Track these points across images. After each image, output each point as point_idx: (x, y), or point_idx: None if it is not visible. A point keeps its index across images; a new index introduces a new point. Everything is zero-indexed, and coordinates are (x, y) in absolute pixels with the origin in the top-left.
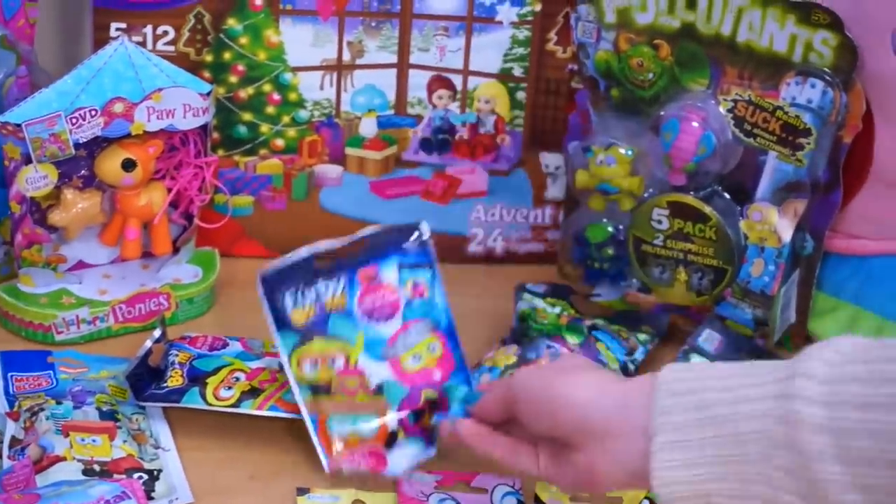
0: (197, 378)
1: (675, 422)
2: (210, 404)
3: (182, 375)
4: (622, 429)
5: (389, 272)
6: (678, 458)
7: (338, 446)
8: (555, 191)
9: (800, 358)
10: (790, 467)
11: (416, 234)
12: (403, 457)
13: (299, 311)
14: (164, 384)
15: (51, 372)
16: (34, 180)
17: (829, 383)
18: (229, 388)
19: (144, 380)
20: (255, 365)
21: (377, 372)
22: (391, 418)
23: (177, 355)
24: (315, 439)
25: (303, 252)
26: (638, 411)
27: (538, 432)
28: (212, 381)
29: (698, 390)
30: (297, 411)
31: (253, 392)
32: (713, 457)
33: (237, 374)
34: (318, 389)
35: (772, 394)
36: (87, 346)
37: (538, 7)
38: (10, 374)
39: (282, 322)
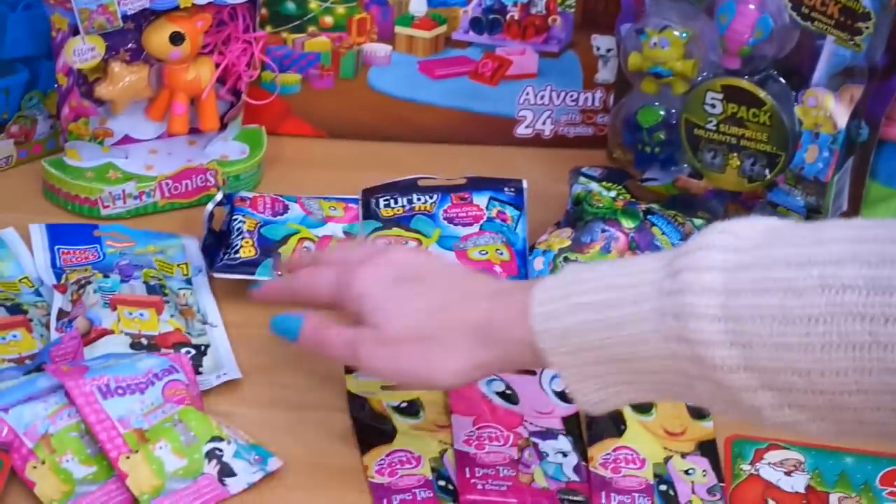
0: (268, 248)
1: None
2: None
3: (253, 245)
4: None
5: (481, 198)
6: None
7: None
8: (605, 74)
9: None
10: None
11: (514, 184)
12: None
13: (388, 209)
14: (236, 254)
15: (97, 245)
16: (81, 52)
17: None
18: None
19: (213, 248)
20: (321, 233)
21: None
22: None
23: (243, 222)
24: None
25: (409, 176)
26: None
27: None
28: (284, 252)
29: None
30: None
31: None
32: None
33: (306, 243)
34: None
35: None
36: (132, 221)
37: None
38: (56, 247)
39: (369, 214)
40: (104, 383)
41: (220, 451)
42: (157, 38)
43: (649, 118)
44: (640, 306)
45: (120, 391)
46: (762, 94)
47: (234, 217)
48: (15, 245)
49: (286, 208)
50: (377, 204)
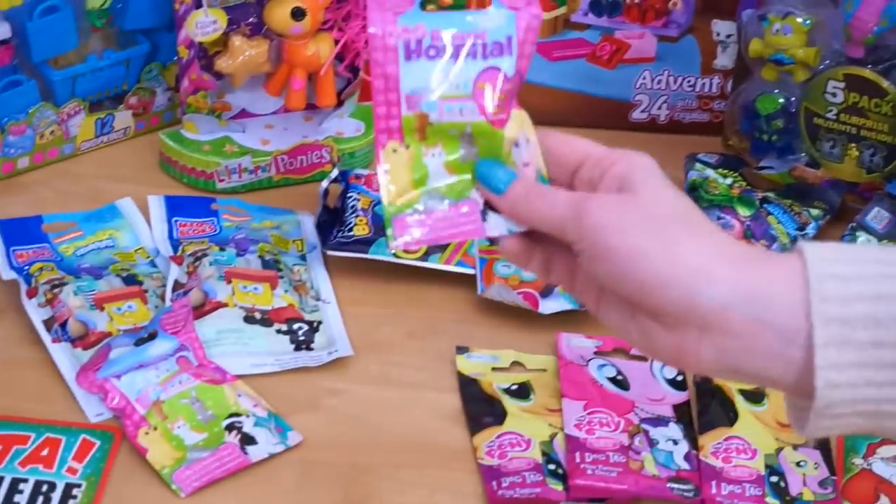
0: (382, 226)
1: (842, 315)
2: (398, 257)
3: (367, 224)
4: (749, 330)
5: None
6: (848, 359)
7: (498, 279)
8: (724, 59)
9: None
10: None
11: None
12: (554, 306)
13: None
14: (350, 232)
15: (214, 219)
16: (204, 24)
17: None
18: None
19: (328, 225)
20: None
21: None
22: None
23: (357, 199)
24: (479, 272)
25: None
26: (780, 308)
27: (607, 288)
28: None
29: (864, 277)
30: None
31: (438, 245)
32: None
33: None
34: (495, 241)
35: None
36: (248, 196)
37: None
38: (174, 219)
39: None
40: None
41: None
42: (279, 12)
43: (768, 106)
44: None
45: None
46: (885, 83)
47: (349, 195)
48: (132, 215)
49: None
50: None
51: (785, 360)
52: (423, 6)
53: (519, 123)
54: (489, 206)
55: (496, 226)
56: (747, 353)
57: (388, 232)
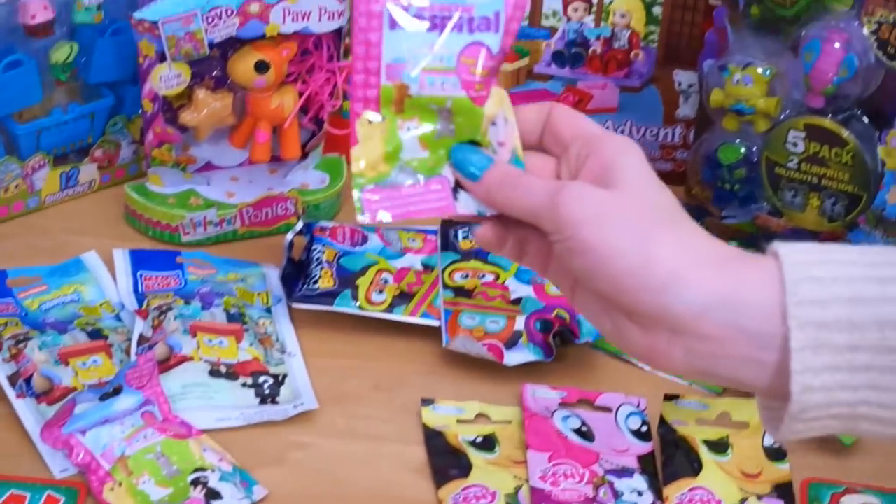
0: (346, 279)
1: (818, 318)
2: (363, 309)
3: (332, 276)
4: (723, 334)
5: None
6: (824, 362)
7: (463, 331)
8: (686, 109)
9: None
10: None
11: None
12: (519, 358)
13: (467, 241)
14: (315, 284)
15: (180, 272)
16: (168, 78)
17: None
18: (380, 291)
19: (292, 278)
20: (399, 264)
21: (520, 290)
22: (519, 321)
23: (322, 251)
24: (444, 324)
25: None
26: (756, 313)
27: (581, 281)
28: (362, 283)
29: (841, 279)
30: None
31: (403, 297)
32: (866, 362)
33: (384, 275)
34: (460, 292)
35: None
36: (213, 248)
37: None
38: (139, 273)
39: (447, 246)
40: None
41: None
42: (243, 66)
43: (730, 155)
44: None
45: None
46: (845, 133)
47: (314, 247)
48: (97, 269)
49: (365, 239)
50: (455, 235)
51: (759, 364)
52: None
53: (498, 101)
54: (460, 184)
55: (467, 205)
56: (720, 357)
57: (357, 204)
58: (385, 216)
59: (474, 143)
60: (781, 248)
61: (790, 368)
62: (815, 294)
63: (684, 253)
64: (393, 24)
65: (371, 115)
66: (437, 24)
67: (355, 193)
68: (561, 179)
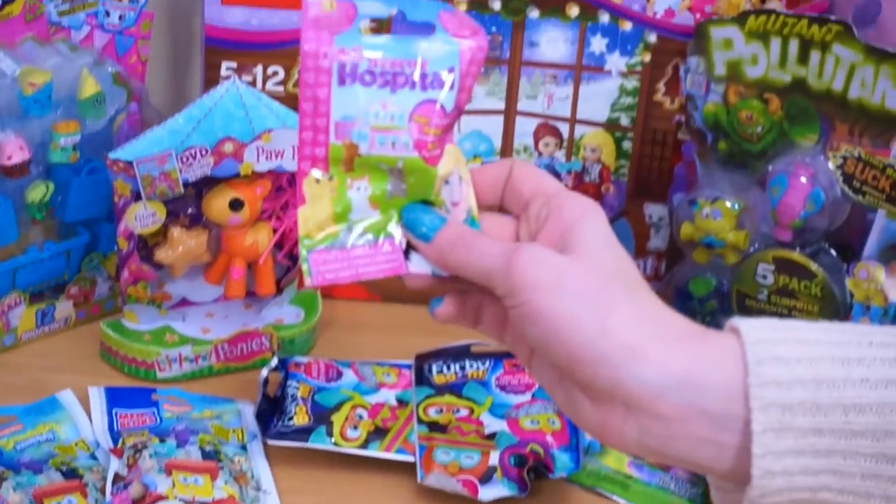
0: (321, 415)
1: (781, 399)
2: (338, 445)
3: (307, 412)
4: (680, 414)
5: None
6: (787, 446)
7: (437, 467)
8: (657, 241)
9: None
10: None
11: None
12: (494, 493)
13: (441, 376)
14: (290, 421)
15: (155, 409)
16: (143, 217)
17: None
18: (355, 427)
19: (267, 414)
20: (373, 400)
21: (494, 425)
22: (493, 456)
23: (297, 388)
24: (418, 460)
25: (463, 342)
26: (716, 394)
27: (536, 350)
28: (337, 420)
29: (804, 359)
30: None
31: (378, 432)
32: (827, 447)
33: (359, 410)
34: (434, 427)
35: None
36: (188, 385)
37: (647, 58)
38: (114, 410)
39: (422, 381)
40: None
41: None
42: (217, 204)
43: (701, 288)
44: None
45: None
46: (814, 266)
47: (289, 383)
48: (72, 408)
49: (340, 374)
50: (430, 370)
51: (717, 446)
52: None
53: (453, 160)
54: (412, 246)
55: (419, 265)
56: (677, 438)
57: (304, 267)
58: (333, 279)
59: (427, 202)
60: (742, 324)
61: (751, 451)
62: (778, 375)
63: (643, 326)
64: (342, 81)
65: (319, 174)
66: (389, 80)
67: (302, 254)
68: (520, 241)
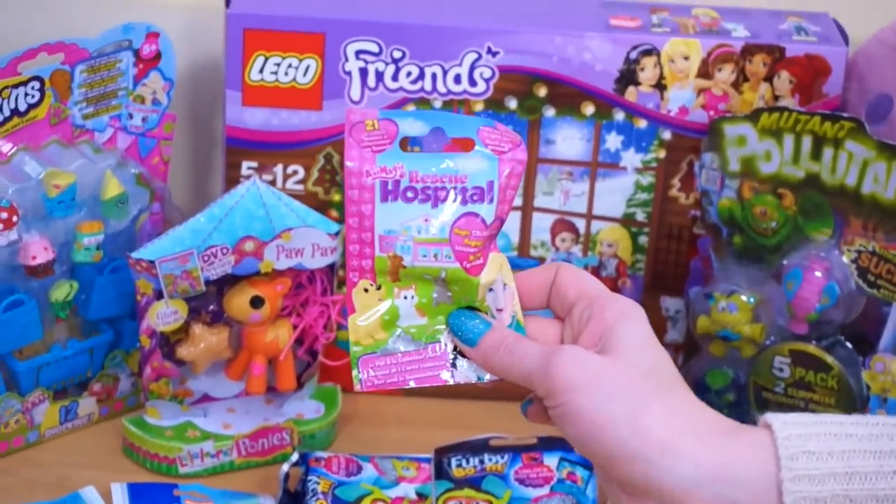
0: None
1: (814, 493)
2: None
3: None
4: None
5: (552, 459)
6: None
7: None
8: (674, 335)
9: None
10: None
11: None
12: None
13: (460, 469)
14: None
15: None
16: (165, 315)
17: None
18: None
19: None
20: (393, 494)
21: None
22: None
23: (318, 482)
24: None
25: (482, 436)
26: (749, 489)
27: (575, 447)
28: None
29: (836, 453)
30: None
31: None
32: None
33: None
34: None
35: None
36: (209, 480)
37: (662, 154)
38: None
39: (441, 475)
40: None
41: None
42: (238, 301)
43: (718, 380)
44: None
45: None
46: (829, 359)
47: (309, 478)
48: None
49: (360, 469)
50: (449, 464)
51: None
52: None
53: (497, 267)
54: (460, 351)
55: (465, 372)
56: None
57: (354, 372)
58: (382, 384)
59: (473, 308)
60: (774, 420)
61: None
62: (811, 469)
63: (675, 422)
64: (385, 197)
65: (367, 283)
66: (430, 195)
67: (353, 360)
68: (563, 343)
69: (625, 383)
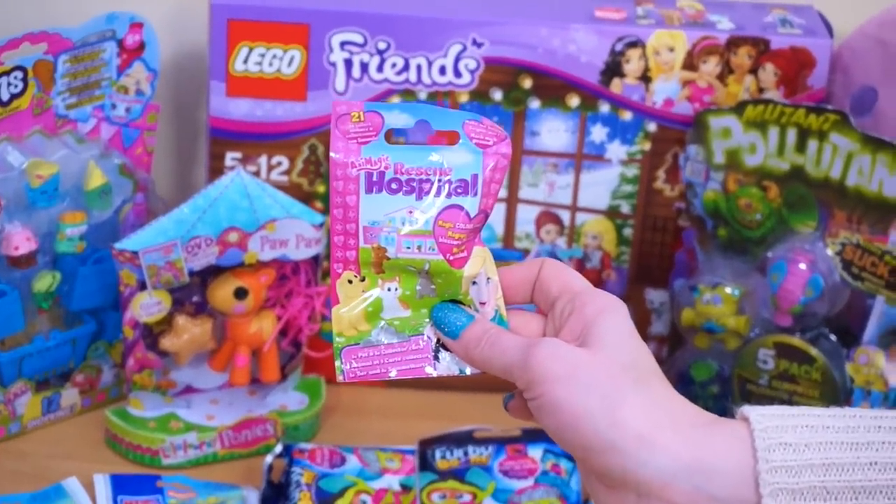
0: (325, 501)
1: (791, 485)
2: None
3: (311, 499)
4: (690, 500)
5: (536, 451)
6: None
7: None
8: (659, 327)
9: None
10: None
11: None
12: None
13: (444, 461)
14: None
15: (160, 496)
16: (148, 306)
17: None
18: None
19: (272, 501)
20: (377, 486)
21: None
22: None
23: (301, 474)
24: None
25: (466, 428)
26: (726, 480)
27: (554, 439)
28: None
29: (813, 445)
30: None
31: None
32: None
33: (363, 496)
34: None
35: None
36: (192, 471)
37: (647, 146)
38: (119, 498)
39: (425, 466)
40: None
41: None
42: (222, 292)
43: (702, 373)
44: None
45: None
46: (814, 351)
47: (293, 469)
48: (77, 495)
49: (343, 460)
50: (433, 455)
51: None
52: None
53: (481, 261)
54: (442, 343)
55: (447, 365)
56: None
57: (337, 363)
58: (364, 376)
59: (457, 301)
60: (752, 412)
61: None
62: (788, 460)
63: (653, 415)
64: (370, 189)
65: (351, 275)
66: (414, 187)
67: (335, 351)
68: (545, 337)
69: (603, 376)
